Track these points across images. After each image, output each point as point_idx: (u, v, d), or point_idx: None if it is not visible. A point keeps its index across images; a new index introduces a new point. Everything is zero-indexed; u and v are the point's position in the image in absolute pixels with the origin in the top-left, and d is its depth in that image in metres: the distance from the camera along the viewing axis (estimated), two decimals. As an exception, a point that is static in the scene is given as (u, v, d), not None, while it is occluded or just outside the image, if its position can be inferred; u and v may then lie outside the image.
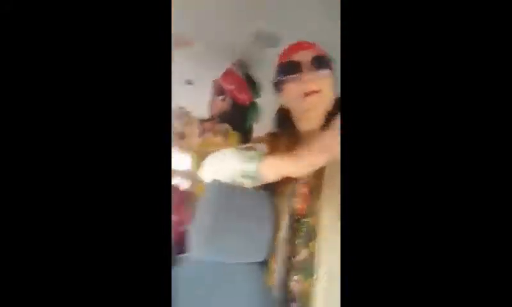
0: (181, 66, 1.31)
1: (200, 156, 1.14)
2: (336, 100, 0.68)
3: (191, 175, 1.19)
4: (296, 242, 0.60)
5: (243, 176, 0.60)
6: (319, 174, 0.59)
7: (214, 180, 0.63)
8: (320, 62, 0.67)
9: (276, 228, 0.61)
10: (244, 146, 0.69)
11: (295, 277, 0.58)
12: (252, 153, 0.62)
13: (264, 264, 0.62)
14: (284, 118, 0.74)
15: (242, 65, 1.31)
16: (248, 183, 0.61)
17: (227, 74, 1.28)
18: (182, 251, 0.69)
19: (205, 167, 0.68)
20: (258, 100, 1.30)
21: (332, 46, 0.65)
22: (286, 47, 0.71)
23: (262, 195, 0.63)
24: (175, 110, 1.21)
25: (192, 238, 0.60)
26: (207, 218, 0.59)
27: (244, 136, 1.21)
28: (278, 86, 0.72)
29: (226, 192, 0.62)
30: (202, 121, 1.25)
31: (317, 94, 0.65)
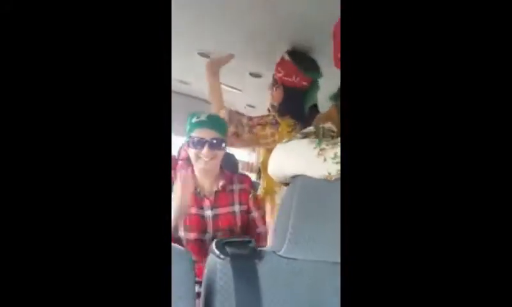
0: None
1: (268, 151, 1.15)
2: None
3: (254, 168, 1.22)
4: None
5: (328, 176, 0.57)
6: None
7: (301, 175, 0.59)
8: None
9: None
10: (305, 130, 0.65)
11: None
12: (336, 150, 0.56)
13: None
14: None
15: (293, 51, 1.28)
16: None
17: (278, 64, 1.27)
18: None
19: (275, 163, 0.65)
20: (320, 80, 1.27)
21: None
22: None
23: None
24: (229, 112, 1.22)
25: (280, 234, 0.57)
26: (296, 213, 0.56)
27: (303, 121, 1.18)
28: None
29: (317, 185, 0.58)
30: (250, 117, 1.26)
31: None
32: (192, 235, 1.00)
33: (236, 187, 1.08)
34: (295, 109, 1.23)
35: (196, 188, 1.03)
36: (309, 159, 0.58)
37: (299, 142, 0.62)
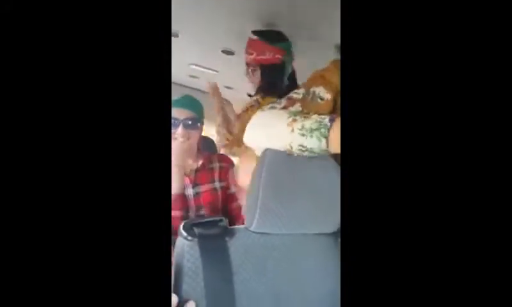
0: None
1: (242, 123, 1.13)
2: None
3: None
4: None
5: (301, 151, 0.55)
6: None
7: (268, 149, 0.58)
8: None
9: None
10: (280, 101, 0.63)
11: None
12: (314, 124, 0.54)
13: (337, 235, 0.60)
14: None
15: (259, 30, 1.24)
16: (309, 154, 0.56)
17: (247, 46, 1.23)
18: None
19: (250, 133, 0.62)
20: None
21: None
22: None
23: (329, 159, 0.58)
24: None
25: (251, 210, 0.56)
26: (265, 188, 0.54)
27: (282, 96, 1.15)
28: None
29: (285, 158, 0.56)
30: (237, 114, 1.22)
31: None
32: (177, 213, 0.99)
33: (216, 165, 1.08)
34: (276, 84, 1.21)
35: (176, 166, 1.02)
36: (279, 128, 0.57)
37: (275, 112, 0.60)
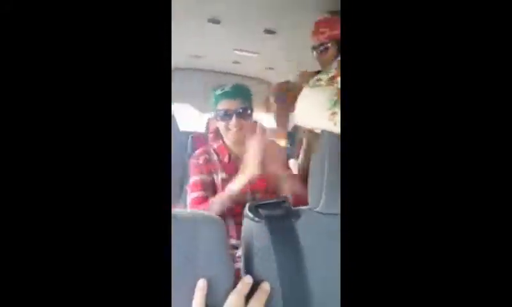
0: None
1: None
2: None
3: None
4: None
5: None
6: None
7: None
8: None
9: None
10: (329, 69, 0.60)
11: None
12: None
13: None
14: None
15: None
16: None
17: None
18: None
19: (298, 113, 0.60)
20: None
21: None
22: None
23: None
24: None
25: (316, 190, 0.54)
26: (330, 168, 0.52)
27: None
28: None
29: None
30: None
31: None
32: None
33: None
34: None
35: (230, 155, 1.04)
36: (322, 116, 0.54)
37: (318, 93, 0.57)
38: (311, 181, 0.56)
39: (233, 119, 0.98)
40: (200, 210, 0.74)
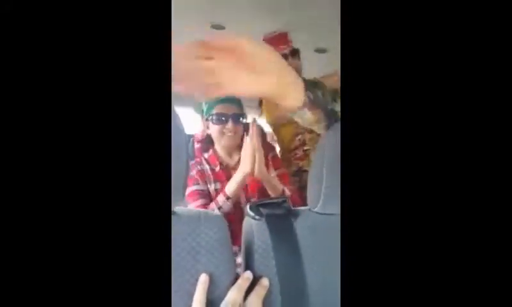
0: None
1: None
2: None
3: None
4: None
5: None
6: None
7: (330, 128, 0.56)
8: None
9: None
10: None
11: None
12: None
13: None
14: None
15: None
16: None
17: None
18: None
19: None
20: None
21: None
22: None
23: None
24: None
25: (315, 191, 0.55)
26: (329, 168, 0.53)
27: None
28: None
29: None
30: None
31: None
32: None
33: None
34: None
35: (221, 164, 1.06)
36: None
37: None
38: (310, 182, 0.57)
39: (230, 123, 0.99)
40: (203, 209, 0.76)
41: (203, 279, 0.47)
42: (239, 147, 1.06)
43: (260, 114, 1.38)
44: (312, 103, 0.50)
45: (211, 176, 1.05)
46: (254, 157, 0.90)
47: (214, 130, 1.03)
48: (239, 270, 0.55)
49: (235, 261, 0.52)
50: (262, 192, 1.05)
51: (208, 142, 1.10)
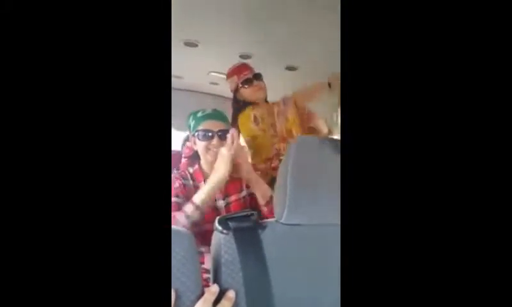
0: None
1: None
2: None
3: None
4: None
5: None
6: None
7: (297, 139, 0.59)
8: None
9: None
10: None
11: None
12: None
13: None
14: None
15: None
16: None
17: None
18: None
19: None
20: None
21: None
22: None
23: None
24: None
25: (280, 202, 0.57)
26: (293, 180, 0.55)
27: None
28: None
29: (314, 146, 0.57)
30: None
31: None
32: (209, 226, 1.02)
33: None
34: None
35: (205, 180, 1.04)
36: None
37: None
38: (276, 193, 0.59)
39: (215, 139, 1.00)
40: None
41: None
42: None
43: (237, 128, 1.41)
44: None
45: (193, 192, 1.03)
46: (228, 164, 0.91)
47: (200, 146, 1.03)
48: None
49: (201, 276, 0.53)
50: (240, 194, 1.05)
51: (195, 157, 1.09)
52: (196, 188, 1.04)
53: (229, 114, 1.30)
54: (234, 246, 0.54)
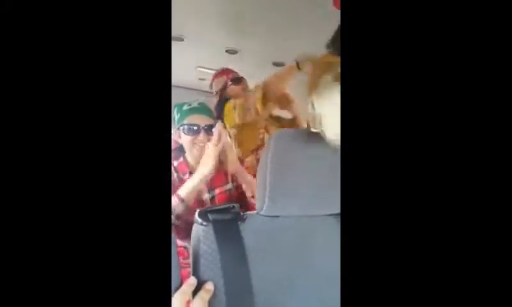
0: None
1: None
2: None
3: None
4: None
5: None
6: None
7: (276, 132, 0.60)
8: None
9: None
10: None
11: None
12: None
13: None
14: None
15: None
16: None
17: None
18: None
19: None
20: None
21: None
22: None
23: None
24: None
25: (260, 195, 0.58)
26: (272, 172, 0.56)
27: None
28: None
29: (293, 138, 0.58)
30: None
31: None
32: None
33: None
34: None
35: (191, 172, 1.04)
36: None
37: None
38: (257, 185, 0.60)
39: (201, 134, 0.99)
40: None
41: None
42: None
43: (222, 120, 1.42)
44: None
45: (179, 185, 1.03)
46: (215, 158, 0.91)
47: (185, 140, 1.02)
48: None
49: (179, 268, 0.53)
50: (225, 186, 1.05)
51: (179, 150, 1.08)
52: (181, 180, 1.03)
53: (214, 109, 1.31)
54: (213, 237, 0.54)
